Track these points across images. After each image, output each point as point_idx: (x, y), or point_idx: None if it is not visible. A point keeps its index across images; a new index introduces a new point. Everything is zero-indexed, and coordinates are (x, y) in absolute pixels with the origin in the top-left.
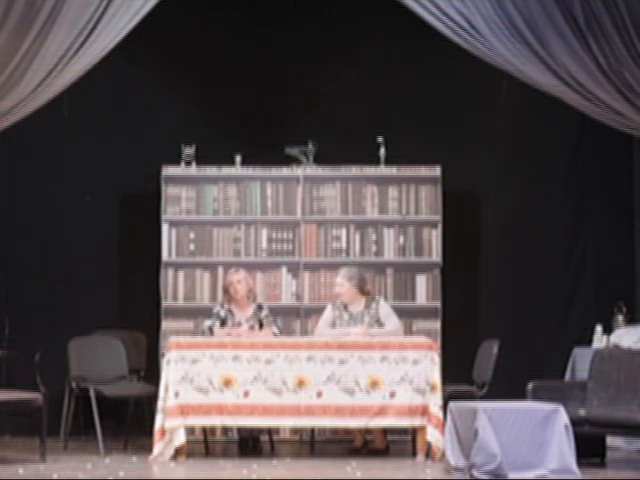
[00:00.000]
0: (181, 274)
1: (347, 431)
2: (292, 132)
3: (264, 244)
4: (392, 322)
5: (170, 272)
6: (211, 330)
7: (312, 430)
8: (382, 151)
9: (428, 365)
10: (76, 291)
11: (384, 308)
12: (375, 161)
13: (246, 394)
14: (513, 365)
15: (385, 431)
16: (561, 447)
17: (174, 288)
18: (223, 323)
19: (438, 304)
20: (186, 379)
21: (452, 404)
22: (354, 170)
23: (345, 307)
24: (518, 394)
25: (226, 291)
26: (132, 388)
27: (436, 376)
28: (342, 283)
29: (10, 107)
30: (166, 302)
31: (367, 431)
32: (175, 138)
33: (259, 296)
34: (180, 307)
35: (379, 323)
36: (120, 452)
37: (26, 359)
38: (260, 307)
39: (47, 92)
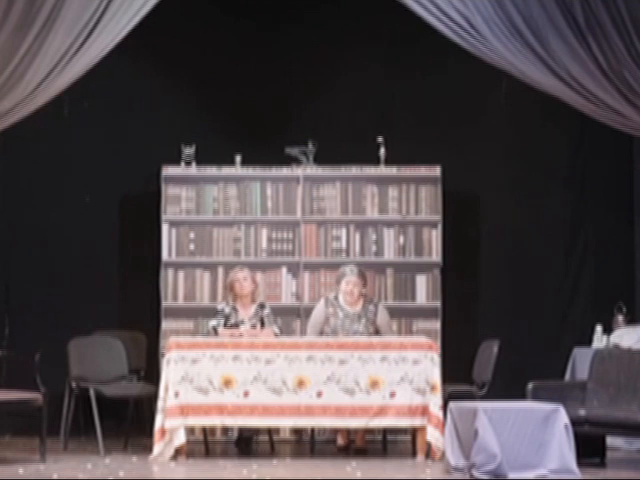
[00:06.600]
0: (181, 274)
1: (347, 431)
2: (292, 132)
3: (264, 244)
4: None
5: (170, 272)
6: (215, 330)
7: (312, 430)
8: (382, 151)
9: (428, 365)
10: (76, 291)
11: (382, 314)
12: (375, 161)
13: (246, 394)
14: (513, 365)
15: (364, 431)
16: (561, 447)
17: (174, 288)
18: (227, 320)
19: (438, 304)
20: (186, 379)
21: (452, 404)
22: (354, 170)
23: (338, 303)
24: (518, 394)
25: (231, 288)
26: (132, 388)
27: (436, 376)
28: (357, 282)
29: (10, 107)
30: (166, 302)
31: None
32: (175, 138)
33: (261, 295)
34: (180, 307)
35: (374, 325)
36: (120, 452)
37: (26, 359)
38: (262, 306)
39: (47, 92)
